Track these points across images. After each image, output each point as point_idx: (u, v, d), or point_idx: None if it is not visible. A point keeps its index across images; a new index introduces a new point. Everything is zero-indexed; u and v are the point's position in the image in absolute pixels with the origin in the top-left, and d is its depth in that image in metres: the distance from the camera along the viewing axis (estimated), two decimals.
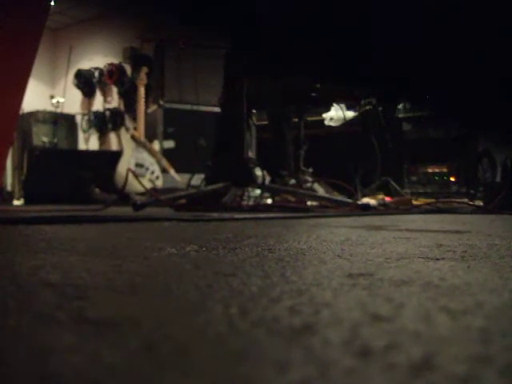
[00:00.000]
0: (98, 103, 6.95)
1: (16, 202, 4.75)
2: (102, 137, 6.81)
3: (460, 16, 2.33)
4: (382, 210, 2.64)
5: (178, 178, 4.36)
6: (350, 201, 2.58)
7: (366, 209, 2.37)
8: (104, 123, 6.70)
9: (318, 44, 2.62)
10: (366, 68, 2.76)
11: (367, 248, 0.82)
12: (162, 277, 0.56)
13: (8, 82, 2.04)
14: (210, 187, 2.53)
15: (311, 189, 3.06)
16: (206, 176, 2.76)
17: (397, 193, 3.59)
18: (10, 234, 1.14)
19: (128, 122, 6.44)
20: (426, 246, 0.85)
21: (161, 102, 4.94)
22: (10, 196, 5.49)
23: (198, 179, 3.02)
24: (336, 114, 4.14)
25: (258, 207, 2.47)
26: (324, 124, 4.23)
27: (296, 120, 3.42)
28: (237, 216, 1.82)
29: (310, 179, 3.20)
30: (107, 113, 6.71)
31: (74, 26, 7.26)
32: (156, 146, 4.64)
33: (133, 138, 4.44)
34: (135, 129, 4.65)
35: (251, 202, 2.64)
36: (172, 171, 4.49)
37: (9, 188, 5.92)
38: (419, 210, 2.61)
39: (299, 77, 3.09)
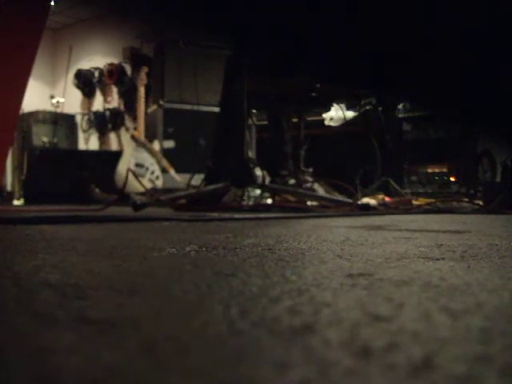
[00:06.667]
0: (98, 103, 6.95)
1: (16, 202, 4.75)
2: (102, 137, 6.81)
3: (459, 15, 2.33)
4: (382, 210, 2.64)
5: (178, 178, 4.35)
6: (350, 201, 2.58)
7: (366, 209, 2.37)
8: (104, 123, 6.69)
9: (318, 44, 2.62)
10: (365, 68, 2.76)
11: (367, 248, 0.82)
12: (162, 277, 0.56)
13: (8, 82, 2.04)
14: (210, 187, 2.52)
15: (311, 189, 3.06)
16: (206, 176, 2.75)
17: (397, 193, 3.59)
18: (10, 234, 1.14)
19: (128, 122, 6.45)
20: (426, 246, 0.85)
21: (161, 102, 4.93)
22: (10, 196, 5.49)
23: (198, 179, 3.02)
24: (336, 114, 4.14)
25: (258, 207, 2.47)
26: (324, 124, 4.23)
27: (296, 120, 3.42)
28: (237, 216, 1.81)
29: (310, 179, 3.19)
30: (107, 113, 6.71)
31: (74, 26, 7.26)
32: (156, 146, 4.63)
33: (133, 137, 4.44)
34: (135, 129, 4.65)
35: (251, 202, 2.64)
36: (172, 171, 4.49)
37: (9, 188, 5.92)
38: (419, 210, 2.61)
39: (299, 77, 3.09)
